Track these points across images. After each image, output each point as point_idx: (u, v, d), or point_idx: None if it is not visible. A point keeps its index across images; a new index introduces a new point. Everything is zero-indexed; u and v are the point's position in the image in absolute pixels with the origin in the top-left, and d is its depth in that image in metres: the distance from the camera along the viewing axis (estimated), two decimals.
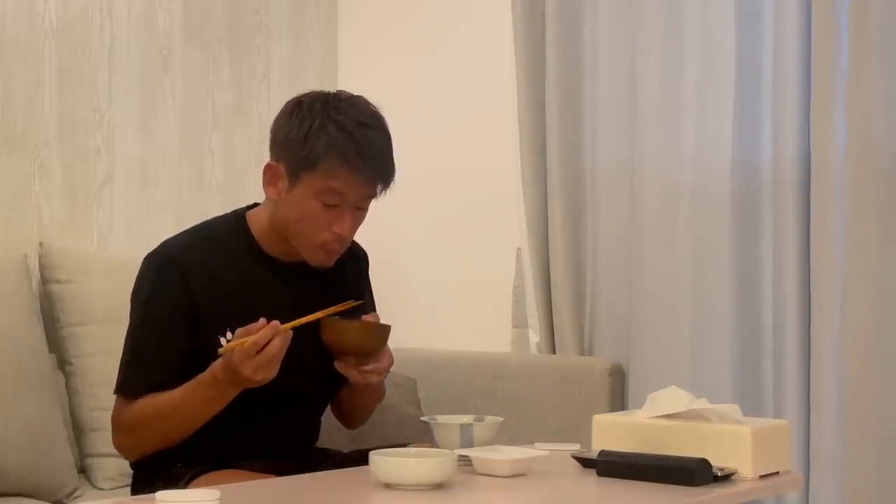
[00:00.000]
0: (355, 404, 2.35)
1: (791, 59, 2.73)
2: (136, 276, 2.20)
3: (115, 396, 2.21)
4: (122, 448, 2.22)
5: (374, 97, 2.20)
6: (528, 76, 3.12)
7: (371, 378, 2.18)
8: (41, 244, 2.91)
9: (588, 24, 3.05)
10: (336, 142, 2.06)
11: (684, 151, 2.88)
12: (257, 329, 1.99)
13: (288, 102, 2.17)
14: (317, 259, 2.17)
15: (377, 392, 2.34)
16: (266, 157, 2.19)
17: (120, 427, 2.19)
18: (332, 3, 3.70)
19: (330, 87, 2.22)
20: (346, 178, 2.08)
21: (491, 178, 3.30)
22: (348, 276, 2.33)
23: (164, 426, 2.12)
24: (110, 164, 3.13)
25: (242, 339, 1.98)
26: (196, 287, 2.13)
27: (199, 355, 2.12)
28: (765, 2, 2.79)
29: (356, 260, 2.38)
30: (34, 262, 2.89)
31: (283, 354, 2.01)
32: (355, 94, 2.17)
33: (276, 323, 2.00)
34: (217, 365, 2.04)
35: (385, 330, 2.18)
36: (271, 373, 2.02)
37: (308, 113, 2.10)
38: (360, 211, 2.15)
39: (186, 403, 2.09)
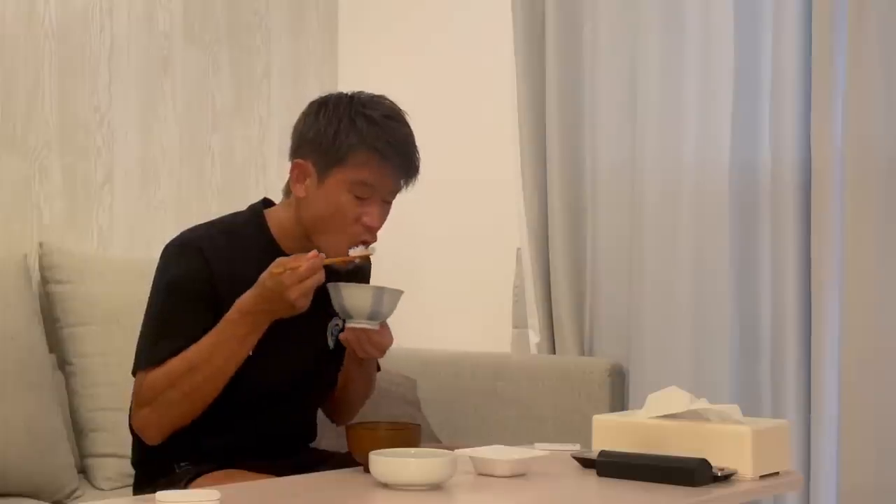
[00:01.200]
0: (347, 397, 2.35)
1: (791, 60, 2.73)
2: (157, 263, 2.19)
3: (135, 377, 2.14)
4: (145, 425, 2.13)
5: None
6: (528, 76, 3.12)
7: (370, 350, 2.17)
8: (41, 244, 2.90)
9: (588, 25, 3.05)
10: (367, 135, 2.12)
11: (684, 152, 2.88)
12: (307, 258, 2.03)
13: (311, 103, 2.21)
14: (337, 252, 2.18)
15: (368, 385, 2.35)
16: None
17: (143, 401, 2.12)
18: (332, 3, 3.70)
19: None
20: (377, 170, 2.13)
21: (491, 179, 3.30)
22: (357, 279, 2.35)
23: (192, 382, 2.07)
24: (110, 165, 3.13)
25: (295, 264, 2.02)
26: (217, 274, 2.14)
27: None
28: (764, 2, 2.79)
29: (363, 267, 2.40)
30: (34, 263, 2.89)
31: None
32: (375, 93, 2.22)
33: (324, 256, 2.06)
34: (248, 297, 2.05)
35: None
36: (308, 302, 2.05)
37: (335, 110, 2.15)
38: (386, 204, 2.19)
39: (217, 348, 2.07)
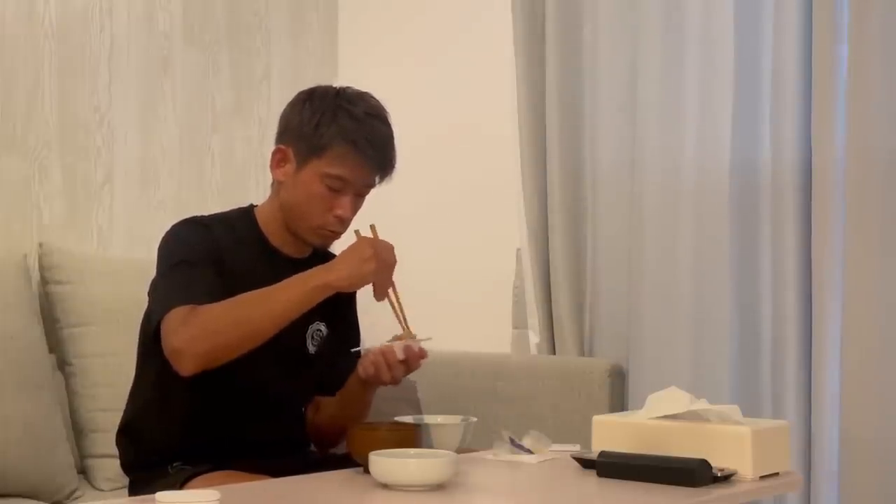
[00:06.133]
0: (344, 418, 2.34)
1: (791, 60, 2.73)
2: (166, 238, 2.23)
3: (169, 312, 2.07)
4: (187, 348, 2.03)
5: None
6: (528, 77, 3.12)
7: (397, 374, 2.24)
8: (41, 245, 2.90)
9: (588, 26, 3.05)
10: (347, 129, 2.18)
11: (684, 152, 2.88)
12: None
13: (300, 93, 2.28)
14: (316, 240, 2.27)
15: (368, 407, 2.37)
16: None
17: (189, 322, 2.04)
18: (332, 5, 3.70)
19: None
20: (353, 165, 2.20)
21: (491, 179, 3.29)
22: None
23: (250, 311, 2.06)
24: (110, 165, 3.13)
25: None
26: (219, 258, 2.19)
27: None
28: (765, 2, 2.79)
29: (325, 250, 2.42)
30: (34, 263, 2.89)
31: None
32: (362, 90, 2.28)
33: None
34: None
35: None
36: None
37: (320, 102, 2.22)
38: (359, 198, 2.25)
39: (283, 285, 2.10)
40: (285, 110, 2.29)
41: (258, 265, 2.23)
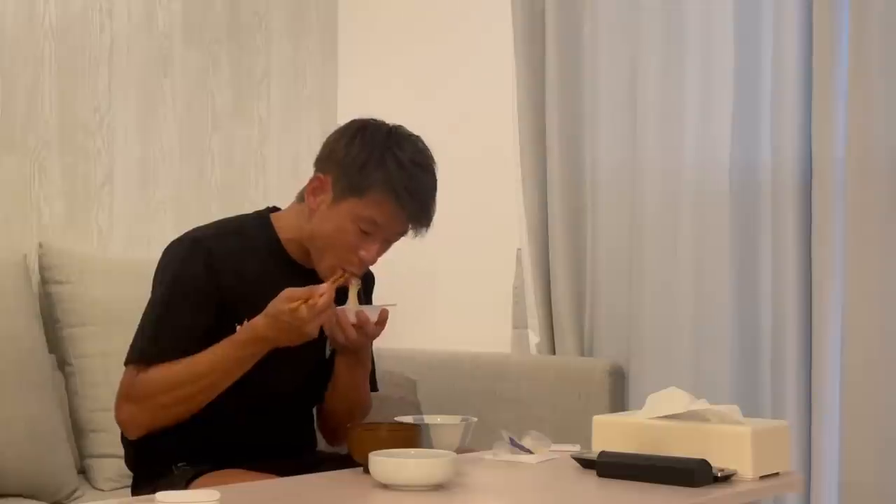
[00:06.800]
0: (346, 406, 2.35)
1: (791, 59, 2.73)
2: (161, 260, 2.22)
3: (126, 367, 2.17)
4: (130, 421, 2.16)
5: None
6: (528, 76, 3.12)
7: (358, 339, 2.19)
8: (41, 245, 2.90)
9: (588, 25, 3.05)
10: (391, 176, 2.14)
11: (684, 152, 2.88)
12: (319, 292, 2.04)
13: (351, 124, 2.23)
14: (328, 276, 2.19)
15: (362, 391, 2.35)
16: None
17: (132, 397, 2.14)
18: (332, 4, 3.70)
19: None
20: (390, 213, 2.16)
21: (491, 179, 3.29)
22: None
23: (186, 391, 2.10)
24: (110, 165, 3.13)
25: (311, 299, 2.03)
26: (221, 273, 2.16)
27: (212, 341, 2.13)
28: (765, 2, 2.79)
29: (366, 279, 2.40)
30: (34, 263, 2.89)
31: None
32: (413, 132, 2.24)
33: (333, 284, 2.10)
34: (260, 324, 2.07)
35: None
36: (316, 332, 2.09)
37: (370, 140, 2.17)
38: (387, 244, 2.22)
39: (217, 364, 2.09)
40: (332, 138, 2.23)
41: (273, 273, 2.20)
